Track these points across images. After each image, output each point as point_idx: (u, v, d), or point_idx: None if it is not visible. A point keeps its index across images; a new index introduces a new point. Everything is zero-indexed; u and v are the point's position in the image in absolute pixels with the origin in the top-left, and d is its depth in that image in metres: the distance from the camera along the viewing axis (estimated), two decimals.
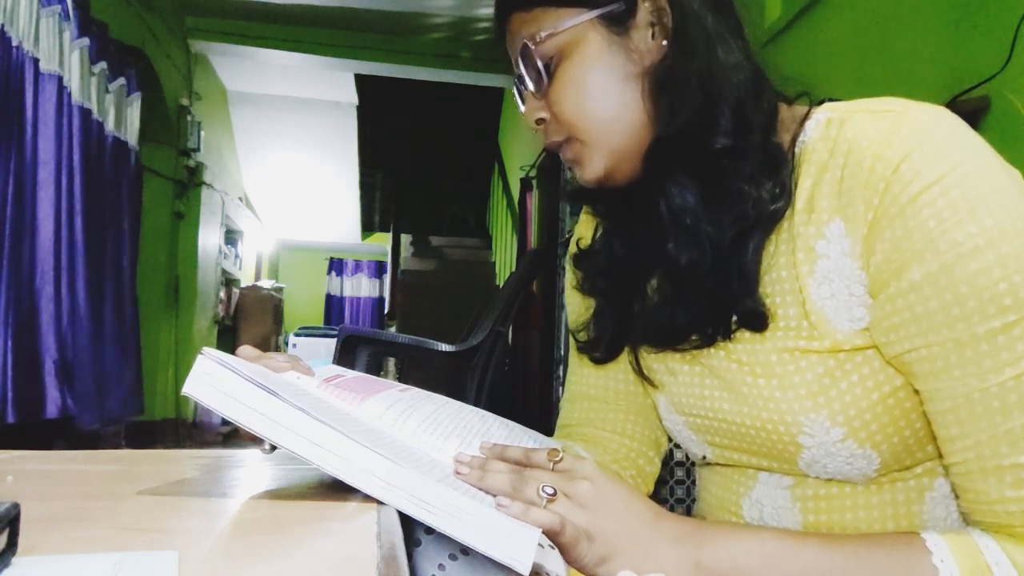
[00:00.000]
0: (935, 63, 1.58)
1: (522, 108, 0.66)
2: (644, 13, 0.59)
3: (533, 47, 0.61)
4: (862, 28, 1.85)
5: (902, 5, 1.70)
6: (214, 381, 0.46)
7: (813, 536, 0.53)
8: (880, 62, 1.77)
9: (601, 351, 0.72)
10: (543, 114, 0.64)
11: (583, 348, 0.74)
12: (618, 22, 0.59)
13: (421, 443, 0.55)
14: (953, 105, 1.46)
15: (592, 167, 0.63)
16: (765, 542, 0.52)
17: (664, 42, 0.59)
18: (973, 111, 1.41)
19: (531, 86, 0.63)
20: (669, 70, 0.58)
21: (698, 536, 0.53)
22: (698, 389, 0.65)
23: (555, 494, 0.51)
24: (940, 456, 0.55)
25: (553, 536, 0.49)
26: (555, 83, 0.61)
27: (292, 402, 0.46)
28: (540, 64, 0.61)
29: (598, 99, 0.60)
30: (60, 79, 3.04)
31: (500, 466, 0.53)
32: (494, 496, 0.50)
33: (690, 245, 0.59)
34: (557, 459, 0.55)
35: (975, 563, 0.48)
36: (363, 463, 0.44)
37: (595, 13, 0.59)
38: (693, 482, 0.83)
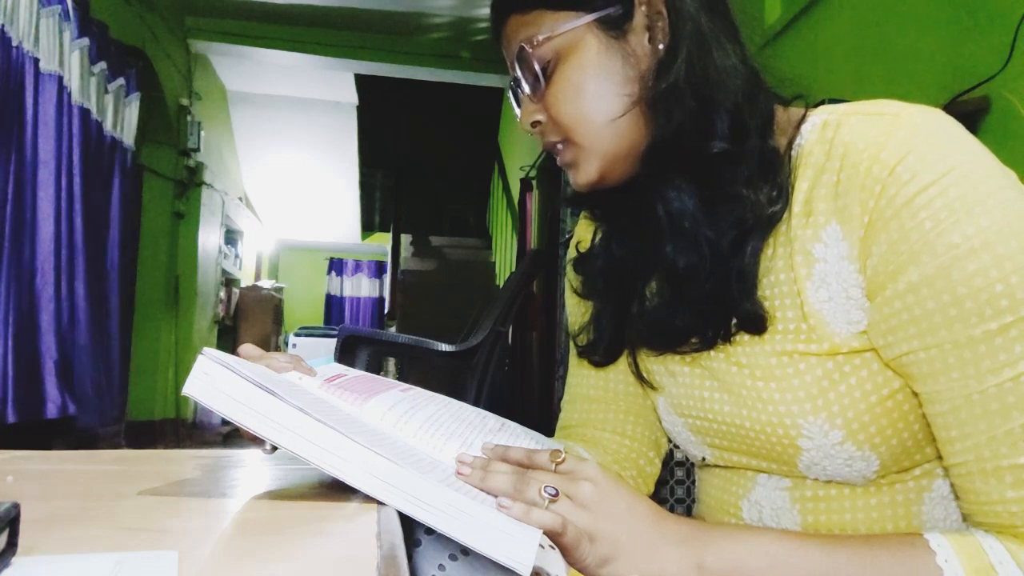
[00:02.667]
0: (935, 63, 1.58)
1: (517, 111, 0.66)
2: (640, 17, 0.59)
3: (530, 50, 0.61)
4: (862, 28, 1.85)
5: (902, 5, 1.70)
6: (214, 381, 0.46)
7: (816, 537, 0.53)
8: (880, 62, 1.77)
9: (600, 354, 0.72)
10: (539, 116, 0.64)
11: (583, 352, 0.74)
12: (615, 26, 0.59)
13: (423, 444, 0.55)
14: (953, 105, 1.46)
15: (587, 171, 0.63)
16: (768, 543, 0.52)
17: (661, 46, 0.59)
18: (973, 111, 1.41)
19: (528, 89, 0.63)
20: (664, 74, 0.58)
21: (701, 537, 0.53)
22: (698, 391, 0.65)
23: (557, 495, 0.51)
24: (939, 458, 0.55)
25: (555, 537, 0.49)
26: (552, 86, 0.61)
27: (292, 402, 0.46)
28: (537, 67, 0.61)
29: (595, 102, 0.60)
30: (60, 79, 3.04)
31: (502, 467, 0.53)
32: (496, 497, 0.50)
33: (688, 248, 0.59)
34: (559, 460, 0.55)
35: (979, 563, 0.47)
36: (363, 464, 0.44)
37: (592, 16, 0.59)
38: (693, 482, 0.83)
